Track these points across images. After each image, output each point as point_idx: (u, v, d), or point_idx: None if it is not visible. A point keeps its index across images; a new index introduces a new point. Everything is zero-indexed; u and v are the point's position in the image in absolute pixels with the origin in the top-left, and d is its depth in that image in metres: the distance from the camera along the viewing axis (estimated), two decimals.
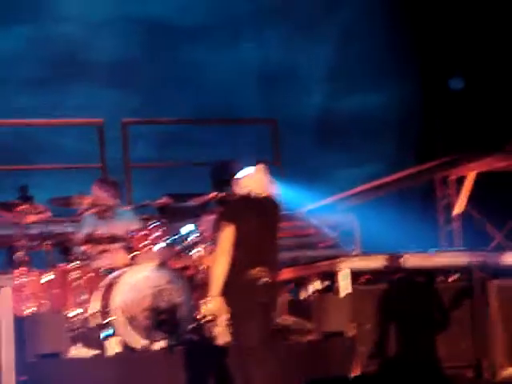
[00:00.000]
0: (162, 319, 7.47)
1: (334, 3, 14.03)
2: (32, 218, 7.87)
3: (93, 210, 8.17)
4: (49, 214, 7.99)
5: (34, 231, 8.02)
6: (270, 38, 14.43)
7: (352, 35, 14.00)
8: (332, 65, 13.95)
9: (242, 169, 9.51)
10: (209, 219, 8.17)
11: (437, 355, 7.86)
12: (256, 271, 6.02)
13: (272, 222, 6.25)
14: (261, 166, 6.52)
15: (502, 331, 8.08)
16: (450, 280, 8.52)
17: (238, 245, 6.06)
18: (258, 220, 6.16)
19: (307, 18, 14.06)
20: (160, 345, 7.35)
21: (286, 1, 14.09)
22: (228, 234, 6.02)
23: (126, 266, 7.84)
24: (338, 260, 8.11)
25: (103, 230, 8.05)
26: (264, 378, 5.92)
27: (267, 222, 6.21)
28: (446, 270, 8.53)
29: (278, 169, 10.51)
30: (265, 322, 6.07)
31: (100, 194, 8.17)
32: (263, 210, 6.27)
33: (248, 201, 6.29)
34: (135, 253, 7.86)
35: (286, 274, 8.71)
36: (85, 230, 8.03)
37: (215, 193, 8.10)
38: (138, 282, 7.55)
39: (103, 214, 8.16)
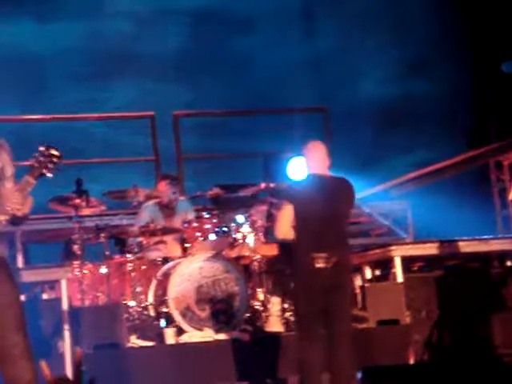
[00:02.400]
0: (217, 309, 7.52)
1: None
2: (87, 212, 7.97)
3: (154, 201, 8.26)
4: (103, 207, 8.10)
5: (90, 224, 8.13)
6: (321, 26, 14.38)
7: (403, 21, 13.88)
8: (384, 52, 13.86)
9: (293, 158, 9.58)
10: (260, 209, 8.21)
11: (493, 342, 7.79)
12: (314, 257, 5.98)
13: (335, 204, 6.11)
14: (315, 143, 6.39)
15: None
16: (505, 266, 8.44)
17: (297, 228, 6.06)
18: (316, 202, 6.07)
19: (358, 6, 13.98)
20: (216, 334, 7.40)
21: None
22: (287, 212, 6.03)
23: (181, 256, 7.91)
24: (392, 247, 8.08)
25: (163, 222, 8.12)
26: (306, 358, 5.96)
27: (328, 204, 6.08)
28: (501, 256, 8.46)
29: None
30: (319, 309, 6.03)
31: (166, 189, 8.26)
32: (323, 191, 6.14)
33: (308, 182, 6.23)
34: (190, 243, 7.92)
35: None
36: (142, 222, 8.12)
37: (266, 183, 8.13)
38: (193, 272, 7.60)
39: (167, 208, 8.25)
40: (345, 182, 6.29)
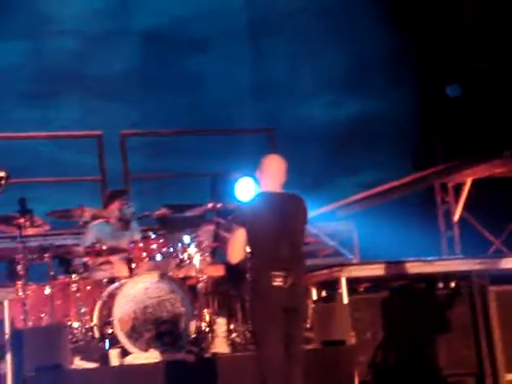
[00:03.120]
0: (163, 330, 7.47)
1: (331, 13, 14.07)
2: (31, 231, 7.88)
3: (102, 220, 8.18)
4: (48, 226, 8.01)
5: (34, 244, 8.03)
6: (268, 49, 14.47)
7: (349, 44, 14.03)
8: (329, 75, 13.99)
9: (240, 179, 9.59)
10: (207, 229, 8.19)
11: (438, 363, 7.85)
12: (271, 275, 5.89)
13: (288, 222, 5.99)
14: (274, 157, 6.24)
15: (502, 337, 8.08)
16: (449, 287, 8.53)
17: (252, 248, 6.00)
18: (269, 221, 5.96)
19: (307, 29, 14.11)
20: (161, 356, 7.35)
21: (283, 13, 14.15)
22: (238, 236, 5.96)
23: (127, 277, 7.85)
24: (337, 268, 8.11)
25: (112, 241, 8.05)
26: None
27: (281, 222, 5.95)
28: (446, 277, 8.54)
29: None
30: (278, 326, 5.91)
31: (120, 205, 8.18)
32: (275, 209, 6.00)
33: (260, 201, 6.13)
34: (136, 264, 7.87)
35: None
36: (87, 242, 8.04)
37: (213, 203, 8.13)
38: (139, 293, 7.55)
39: (124, 222, 8.18)
40: (297, 198, 6.17)
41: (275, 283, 5.89)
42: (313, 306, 8.19)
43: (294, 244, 6.01)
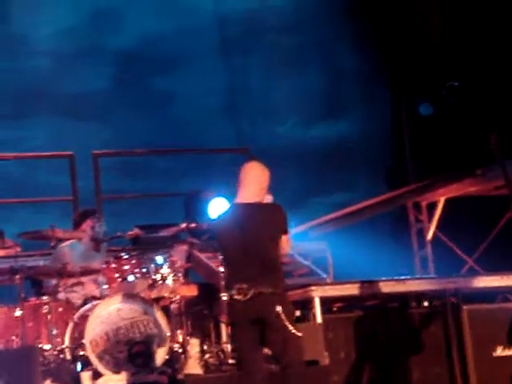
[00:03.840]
0: (135, 351, 7.42)
1: (305, 32, 14.13)
2: (2, 253, 7.82)
3: (74, 241, 8.14)
4: (19, 248, 7.95)
5: (4, 266, 7.95)
6: (240, 67, 14.49)
7: (323, 65, 14.08)
8: (302, 93, 14.02)
9: (213, 199, 9.58)
10: (180, 250, 8.16)
11: (411, 381, 7.86)
12: (234, 288, 5.76)
13: (257, 232, 5.78)
14: (253, 165, 6.02)
15: (474, 355, 8.10)
16: (423, 306, 8.54)
17: (223, 262, 6.03)
18: (234, 232, 5.82)
19: (278, 47, 14.15)
20: (133, 377, 7.30)
21: (253, 31, 14.20)
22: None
23: (99, 298, 7.79)
24: (311, 288, 8.10)
25: (84, 262, 8.00)
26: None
27: (249, 233, 5.76)
28: (419, 296, 8.56)
29: None
30: (249, 340, 5.80)
31: (93, 224, 8.14)
32: (243, 219, 5.81)
33: (228, 214, 6.01)
34: (108, 285, 7.82)
35: None
36: (59, 262, 7.99)
37: (186, 223, 8.11)
38: (111, 314, 7.50)
39: (97, 242, 8.14)
40: (273, 207, 5.96)
41: (235, 297, 5.77)
42: None
43: (263, 255, 5.77)
